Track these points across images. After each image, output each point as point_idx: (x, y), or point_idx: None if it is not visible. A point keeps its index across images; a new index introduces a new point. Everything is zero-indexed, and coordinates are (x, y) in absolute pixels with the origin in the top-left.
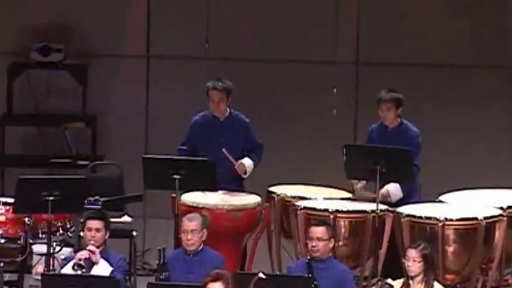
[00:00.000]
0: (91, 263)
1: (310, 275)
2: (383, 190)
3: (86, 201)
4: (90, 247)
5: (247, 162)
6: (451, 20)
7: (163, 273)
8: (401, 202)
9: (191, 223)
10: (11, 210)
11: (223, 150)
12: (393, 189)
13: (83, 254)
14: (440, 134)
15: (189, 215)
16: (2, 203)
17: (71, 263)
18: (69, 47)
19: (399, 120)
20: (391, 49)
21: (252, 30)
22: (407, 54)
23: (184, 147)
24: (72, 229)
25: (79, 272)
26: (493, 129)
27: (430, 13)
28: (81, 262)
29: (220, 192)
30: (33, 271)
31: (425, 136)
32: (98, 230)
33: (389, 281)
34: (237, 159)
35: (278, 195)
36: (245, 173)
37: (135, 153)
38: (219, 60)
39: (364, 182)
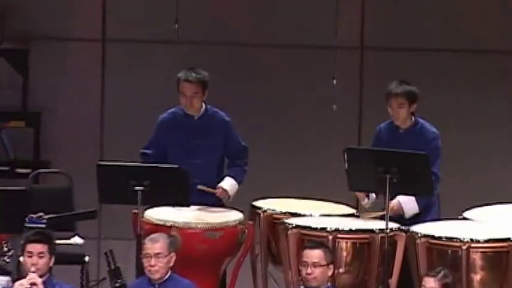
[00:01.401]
0: None
1: None
2: (394, 202)
3: (26, 219)
4: (31, 276)
5: (228, 184)
6: None
7: (119, 280)
8: (416, 219)
9: (155, 245)
10: None
11: (199, 187)
12: (407, 202)
13: (22, 285)
14: (458, 134)
15: (153, 236)
16: None
17: None
18: (5, 29)
19: (413, 119)
20: (404, 32)
21: (234, 9)
22: (424, 37)
23: (149, 152)
24: (10, 253)
25: None
26: None
27: None
28: None
29: (193, 207)
30: None
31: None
32: (40, 255)
33: None
34: (215, 186)
35: (264, 211)
36: (229, 198)
37: (88, 159)
38: (193, 45)
39: (374, 196)
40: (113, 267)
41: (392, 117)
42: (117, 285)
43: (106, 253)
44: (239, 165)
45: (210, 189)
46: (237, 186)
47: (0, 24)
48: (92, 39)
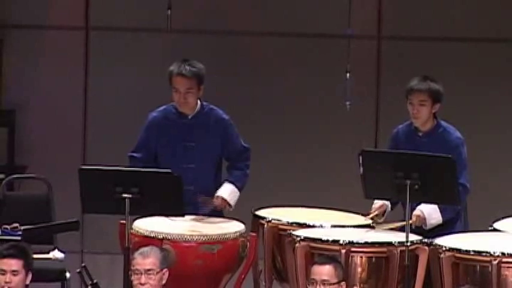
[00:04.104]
0: None
1: None
2: (416, 213)
3: None
4: None
5: (227, 192)
6: None
7: None
8: (440, 231)
9: (146, 260)
10: None
11: (200, 200)
12: (430, 212)
13: None
14: (483, 130)
15: (143, 249)
16: None
17: None
18: None
19: (435, 121)
20: (425, 19)
21: None
22: (447, 25)
23: (137, 155)
24: None
25: None
26: None
27: None
28: None
29: (188, 217)
30: None
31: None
32: (15, 272)
33: None
34: (213, 193)
35: (269, 222)
36: (230, 206)
37: (69, 163)
38: (188, 34)
39: (388, 206)
40: (92, 282)
41: (412, 116)
42: None
43: (79, 271)
44: (240, 169)
45: (210, 201)
46: (238, 193)
47: None
48: (74, 27)
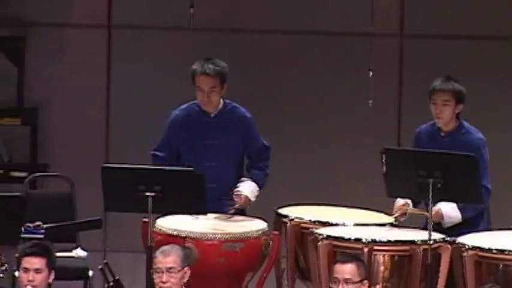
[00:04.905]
0: None
1: None
2: (434, 208)
3: (22, 229)
4: None
5: (248, 189)
6: None
7: None
8: (463, 229)
9: (167, 258)
10: None
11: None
12: (448, 208)
13: None
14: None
15: (165, 248)
16: None
17: None
18: None
19: (458, 121)
20: (449, 17)
21: None
22: (472, 24)
23: (160, 153)
24: (4, 267)
25: None
26: None
27: None
28: None
29: (211, 215)
30: None
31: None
32: (38, 270)
33: None
34: (232, 189)
35: (291, 220)
36: (250, 201)
37: (92, 161)
38: (210, 32)
39: (410, 204)
40: (113, 278)
41: (435, 116)
42: None
43: (101, 268)
44: (260, 168)
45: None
46: (258, 189)
47: None
48: (96, 26)
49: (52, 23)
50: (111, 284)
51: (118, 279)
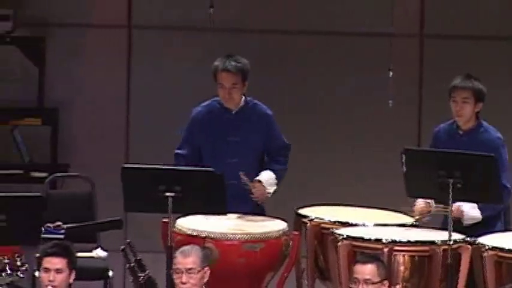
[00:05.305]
0: None
1: None
2: (455, 204)
3: (42, 229)
4: None
5: (263, 176)
6: None
7: (143, 274)
8: (483, 229)
9: (187, 259)
10: None
11: (241, 175)
12: (469, 208)
13: None
14: None
15: (185, 248)
16: None
17: None
18: (19, 13)
19: (477, 121)
20: (469, 17)
21: None
22: (491, 24)
23: (182, 151)
24: (24, 268)
25: None
26: None
27: None
28: None
29: (231, 216)
30: None
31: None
32: (58, 270)
33: None
34: (252, 179)
35: (311, 220)
36: (267, 195)
37: (112, 161)
38: (230, 32)
39: (432, 205)
40: (133, 262)
41: (454, 114)
42: (142, 281)
43: (123, 248)
44: (279, 162)
45: (248, 182)
46: (274, 179)
47: (14, 9)
48: (117, 26)
49: (73, 23)
50: (133, 264)
51: (140, 259)
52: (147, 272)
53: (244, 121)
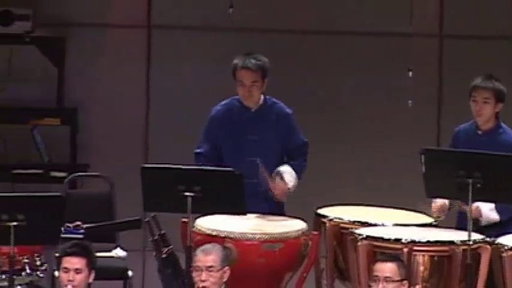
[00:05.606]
0: None
1: None
2: (473, 206)
3: (62, 229)
4: None
5: (286, 169)
6: None
7: (166, 248)
8: (501, 230)
9: (207, 257)
10: None
11: (259, 162)
12: (487, 210)
13: None
14: None
15: (205, 247)
16: None
17: None
18: (39, 13)
19: (496, 121)
20: (488, 18)
21: None
22: (509, 25)
23: (202, 150)
24: (44, 267)
25: None
26: None
27: None
28: None
29: (250, 215)
30: None
31: None
32: (78, 271)
33: None
34: (271, 174)
35: (331, 220)
36: (288, 191)
37: (131, 161)
38: (249, 32)
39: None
40: (159, 233)
41: (474, 113)
42: (164, 255)
43: (148, 221)
44: (299, 160)
45: (267, 176)
46: (295, 174)
47: (33, 9)
48: (136, 26)
49: (92, 23)
50: (156, 238)
51: (164, 234)
52: (170, 246)
53: (263, 120)
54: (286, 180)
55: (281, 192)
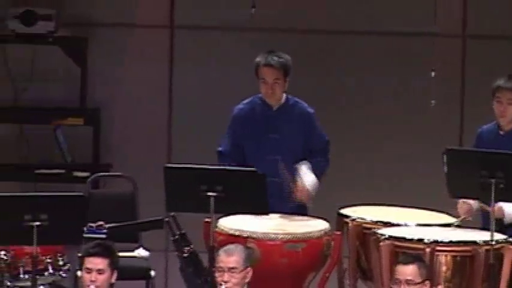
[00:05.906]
0: None
1: None
2: (496, 206)
3: (85, 229)
4: None
5: (304, 166)
6: None
7: (187, 248)
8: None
9: (230, 258)
10: None
11: (279, 160)
12: (510, 209)
13: None
14: None
15: (229, 247)
16: None
17: None
18: (62, 14)
19: None
20: (511, 18)
21: None
22: None
23: (224, 149)
24: (66, 267)
25: None
26: None
27: None
28: None
29: (273, 215)
30: None
31: None
32: (100, 271)
33: None
34: (291, 173)
35: (353, 220)
36: (308, 193)
37: (154, 161)
38: (271, 32)
39: (473, 206)
40: (179, 232)
41: (498, 114)
42: (185, 254)
43: (168, 221)
44: (321, 158)
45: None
46: (314, 177)
47: (56, 9)
48: (159, 26)
49: (115, 23)
50: (177, 237)
51: (184, 233)
52: (191, 246)
53: (285, 119)
54: (305, 182)
55: (302, 193)
